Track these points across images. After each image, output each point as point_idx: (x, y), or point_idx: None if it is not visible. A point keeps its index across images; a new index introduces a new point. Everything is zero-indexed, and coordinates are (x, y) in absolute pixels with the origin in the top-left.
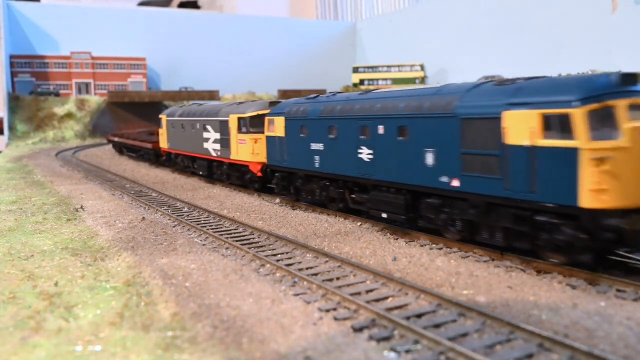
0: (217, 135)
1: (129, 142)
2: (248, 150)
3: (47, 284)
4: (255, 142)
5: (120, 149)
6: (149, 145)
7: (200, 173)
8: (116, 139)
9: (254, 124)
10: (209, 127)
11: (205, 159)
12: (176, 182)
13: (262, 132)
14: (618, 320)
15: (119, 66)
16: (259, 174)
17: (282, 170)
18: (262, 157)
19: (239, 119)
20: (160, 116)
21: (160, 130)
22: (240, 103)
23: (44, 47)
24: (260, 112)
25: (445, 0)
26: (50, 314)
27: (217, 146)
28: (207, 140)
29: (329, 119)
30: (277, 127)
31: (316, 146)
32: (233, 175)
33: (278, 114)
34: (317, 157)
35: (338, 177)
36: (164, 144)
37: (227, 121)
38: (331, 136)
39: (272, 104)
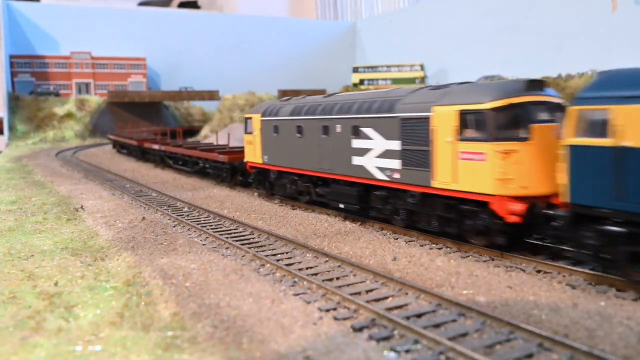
0: (392, 145)
1: (182, 152)
2: (489, 172)
3: (47, 284)
4: (506, 156)
5: (162, 159)
6: (223, 158)
7: (341, 206)
8: (156, 146)
9: (503, 122)
10: (368, 130)
11: (356, 183)
12: (176, 182)
13: (520, 139)
14: (618, 320)
15: (119, 66)
16: (514, 218)
17: None
18: (520, 186)
19: (464, 114)
20: (246, 116)
21: (248, 137)
22: (445, 87)
23: (44, 47)
24: (517, 100)
25: (445, 0)
26: (50, 314)
27: (392, 163)
28: (362, 152)
29: None
30: (630, 126)
31: None
32: (433, 215)
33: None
34: None
35: None
36: (254, 156)
37: (424, 119)
38: None
39: (535, 83)
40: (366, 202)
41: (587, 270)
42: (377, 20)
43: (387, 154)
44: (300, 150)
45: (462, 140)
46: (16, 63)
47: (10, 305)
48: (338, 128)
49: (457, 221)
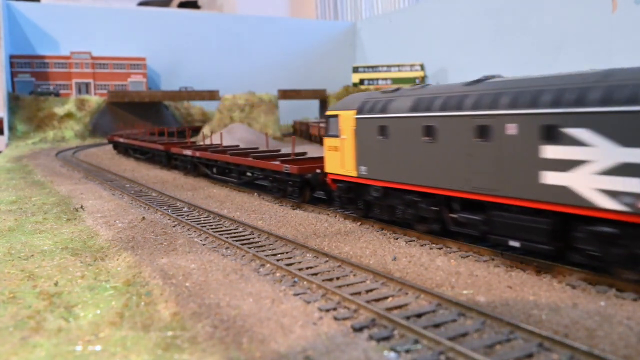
0: (636, 155)
1: (225, 159)
2: None
3: (47, 284)
4: None
5: (196, 167)
6: (289, 169)
7: (513, 244)
8: (188, 152)
9: None
10: (578, 132)
11: (546, 211)
12: (176, 182)
13: None
14: (618, 320)
15: (119, 66)
16: None
17: None
18: None
19: None
20: (329, 113)
21: (330, 142)
22: None
23: (44, 47)
24: None
25: (445, 0)
26: (50, 314)
27: (636, 184)
28: (565, 165)
29: None
30: None
31: None
32: None
33: None
34: None
35: None
36: (341, 167)
37: None
38: None
39: None
40: (564, 240)
41: (587, 270)
42: (377, 20)
43: (622, 170)
44: (428, 161)
45: None
46: (16, 63)
47: (10, 305)
48: (511, 129)
49: None
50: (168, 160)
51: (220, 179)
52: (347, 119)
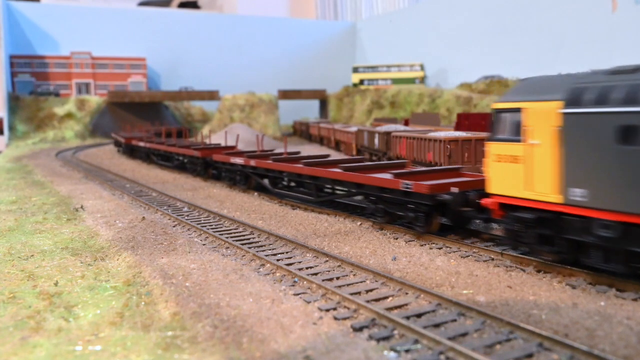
0: None
1: (298, 170)
2: None
3: (47, 284)
4: None
5: (247, 177)
6: (414, 186)
7: None
8: (238, 160)
9: None
10: None
11: None
12: (176, 182)
13: None
14: (618, 319)
15: (119, 66)
16: None
17: None
18: None
19: None
20: (502, 106)
21: (501, 149)
22: None
23: (44, 47)
24: None
25: (445, 0)
26: (50, 314)
27: None
28: None
29: None
30: None
31: None
32: None
33: None
34: None
35: None
36: (523, 186)
37: None
38: None
39: None
40: None
41: (586, 271)
42: (377, 20)
43: None
44: None
45: None
46: (16, 63)
47: (10, 305)
48: None
49: None
50: (205, 169)
51: (287, 195)
52: (541, 115)
